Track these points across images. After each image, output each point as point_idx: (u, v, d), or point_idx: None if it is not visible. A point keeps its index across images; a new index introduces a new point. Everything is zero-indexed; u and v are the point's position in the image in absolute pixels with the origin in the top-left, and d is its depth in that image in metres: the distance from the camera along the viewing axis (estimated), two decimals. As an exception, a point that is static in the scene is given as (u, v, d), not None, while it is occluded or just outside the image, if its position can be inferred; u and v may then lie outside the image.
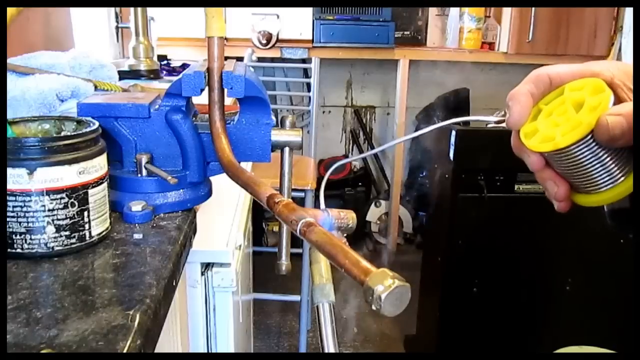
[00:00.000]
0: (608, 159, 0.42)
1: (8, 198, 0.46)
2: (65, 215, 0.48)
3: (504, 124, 0.46)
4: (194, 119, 0.65)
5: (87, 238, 0.50)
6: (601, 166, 0.42)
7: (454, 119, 0.51)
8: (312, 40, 2.45)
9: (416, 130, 3.07)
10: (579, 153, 0.42)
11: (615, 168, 0.42)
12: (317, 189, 2.03)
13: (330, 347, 0.47)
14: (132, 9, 1.61)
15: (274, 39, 2.36)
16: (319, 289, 0.49)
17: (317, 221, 0.40)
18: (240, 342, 1.02)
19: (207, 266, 0.81)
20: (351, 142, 3.15)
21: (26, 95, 0.75)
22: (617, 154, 0.42)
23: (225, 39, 1.68)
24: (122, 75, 1.40)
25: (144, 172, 0.61)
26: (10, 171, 0.46)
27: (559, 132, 0.42)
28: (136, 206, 0.58)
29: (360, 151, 3.13)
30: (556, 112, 0.44)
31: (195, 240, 0.64)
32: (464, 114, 2.95)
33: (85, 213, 0.50)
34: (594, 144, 0.41)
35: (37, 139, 0.47)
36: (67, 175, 0.48)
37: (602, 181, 0.43)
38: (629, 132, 0.39)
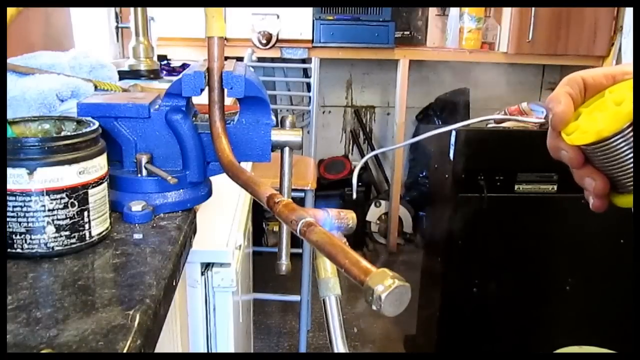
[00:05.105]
0: None
1: (8, 198, 0.46)
2: (65, 215, 0.48)
3: (532, 125, 0.46)
4: (194, 119, 0.65)
5: (87, 238, 0.50)
6: None
7: (490, 116, 0.51)
8: (312, 40, 2.45)
9: (416, 130, 3.06)
10: (620, 142, 0.42)
11: None
12: (318, 189, 2.03)
13: (338, 340, 0.47)
14: (132, 9, 1.61)
15: (274, 39, 2.36)
16: (324, 282, 0.49)
17: (317, 221, 0.40)
18: (240, 342, 1.02)
19: (207, 266, 0.81)
20: (351, 142, 3.15)
21: (26, 95, 0.75)
22: None
23: (225, 39, 1.68)
24: (122, 75, 1.40)
25: (144, 172, 0.61)
26: (10, 171, 0.46)
27: (600, 123, 0.42)
28: (136, 206, 0.58)
29: (360, 151, 3.13)
30: (597, 110, 0.44)
31: (195, 240, 0.64)
32: (464, 114, 2.93)
33: (85, 213, 0.50)
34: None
35: (37, 139, 0.47)
36: (67, 175, 0.48)
37: None
38: None
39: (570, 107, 0.45)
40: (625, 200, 0.45)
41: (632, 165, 0.43)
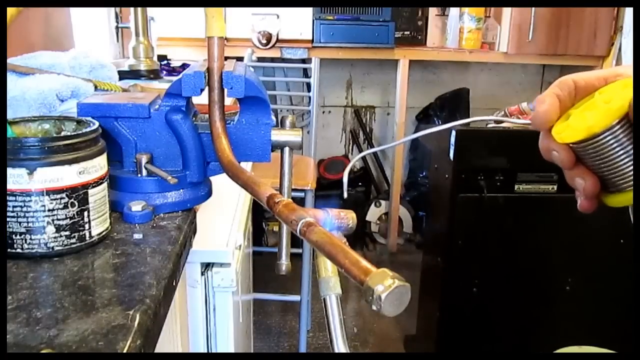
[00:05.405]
0: None
1: (8, 198, 0.46)
2: (65, 215, 0.48)
3: (528, 126, 0.46)
4: (194, 119, 0.65)
5: (87, 238, 0.50)
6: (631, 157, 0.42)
7: (490, 116, 0.51)
8: (312, 40, 2.44)
9: (416, 130, 3.06)
10: (610, 139, 0.42)
11: None
12: (318, 189, 2.03)
13: (339, 339, 0.47)
14: (132, 9, 1.61)
15: (274, 39, 2.36)
16: (324, 282, 0.49)
17: (317, 221, 0.40)
18: (240, 342, 1.02)
19: (207, 266, 0.81)
20: (351, 142, 3.15)
21: (26, 95, 0.75)
22: None
23: (225, 39, 1.68)
24: (122, 75, 1.40)
25: (144, 172, 0.61)
26: (10, 171, 0.46)
27: (590, 120, 0.42)
28: (136, 206, 0.58)
29: (360, 151, 3.13)
30: (586, 110, 0.44)
31: (195, 240, 0.64)
32: (464, 114, 2.93)
33: (85, 213, 0.50)
34: (626, 130, 0.42)
35: (37, 139, 0.47)
36: (67, 175, 0.48)
37: (632, 174, 0.43)
38: None
39: (553, 107, 0.45)
40: (616, 200, 0.45)
41: (622, 163, 0.43)
